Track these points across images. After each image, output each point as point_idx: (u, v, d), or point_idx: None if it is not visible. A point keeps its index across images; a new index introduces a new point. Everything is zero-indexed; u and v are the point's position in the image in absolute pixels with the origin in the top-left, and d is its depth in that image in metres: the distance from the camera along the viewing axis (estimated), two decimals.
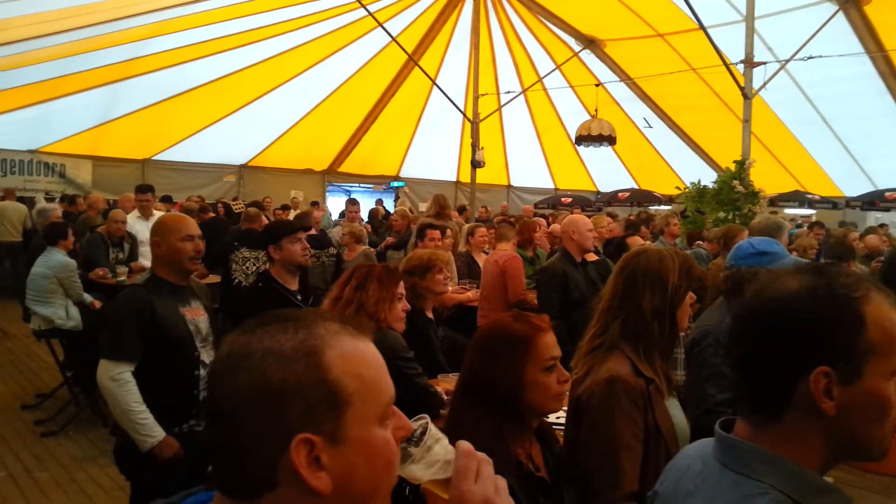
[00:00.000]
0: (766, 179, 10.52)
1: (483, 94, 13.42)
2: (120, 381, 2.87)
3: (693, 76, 12.48)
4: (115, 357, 2.91)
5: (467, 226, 7.74)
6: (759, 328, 1.10)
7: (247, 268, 5.94)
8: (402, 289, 3.29)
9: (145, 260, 6.93)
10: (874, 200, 15.15)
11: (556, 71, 14.51)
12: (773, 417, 1.09)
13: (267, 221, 7.26)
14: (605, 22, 13.40)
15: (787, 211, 15.72)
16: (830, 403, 1.03)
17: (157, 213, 7.42)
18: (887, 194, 14.89)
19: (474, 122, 13.19)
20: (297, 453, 0.80)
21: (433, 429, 1.03)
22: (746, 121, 8.86)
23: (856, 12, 10.91)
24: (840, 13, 10.53)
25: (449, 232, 6.67)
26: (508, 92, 14.09)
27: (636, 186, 18.82)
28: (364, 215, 12.43)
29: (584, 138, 13.45)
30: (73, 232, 6.51)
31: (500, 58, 15.75)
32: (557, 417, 2.64)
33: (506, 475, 0.98)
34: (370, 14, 10.85)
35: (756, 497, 1.05)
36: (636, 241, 7.29)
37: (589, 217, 6.36)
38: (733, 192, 8.64)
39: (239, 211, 10.95)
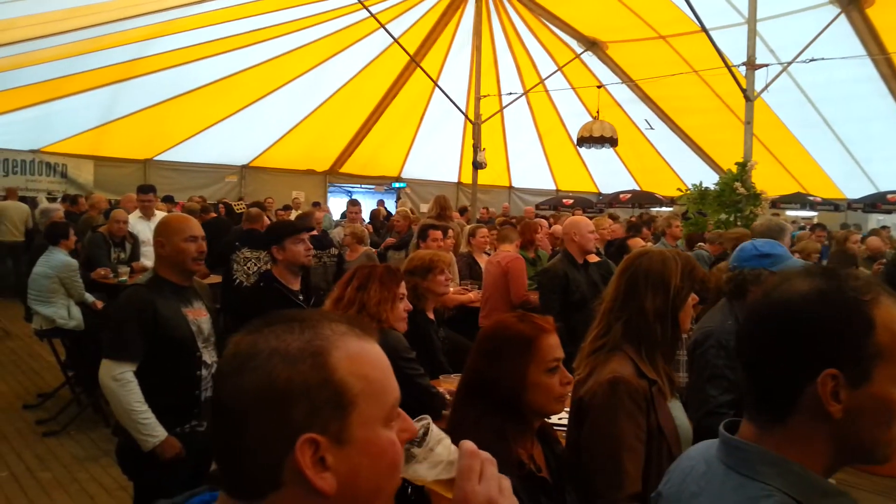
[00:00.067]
0: (768, 181, 10.51)
1: (485, 96, 13.42)
2: (122, 380, 2.87)
3: (695, 78, 12.49)
4: (117, 357, 2.91)
5: (468, 227, 7.74)
6: (767, 329, 1.10)
7: (248, 268, 5.94)
8: (403, 289, 3.30)
9: (146, 260, 6.94)
10: (876, 203, 15.15)
11: (558, 72, 14.51)
12: (778, 419, 1.08)
13: (269, 222, 7.26)
14: (607, 24, 13.40)
15: (789, 213, 15.73)
16: (837, 406, 1.03)
17: (159, 214, 7.43)
18: (889, 196, 14.88)
19: (476, 124, 13.19)
20: (302, 453, 0.80)
21: (435, 429, 1.03)
22: (748, 123, 8.86)
23: (858, 15, 10.91)
24: (842, 15, 10.53)
25: (450, 233, 6.68)
26: (510, 93, 14.08)
27: (638, 188, 18.83)
28: (366, 216, 12.43)
29: (585, 140, 13.46)
30: (74, 232, 6.51)
31: (502, 59, 15.76)
32: (560, 419, 2.64)
33: (508, 475, 0.98)
34: (372, 15, 10.86)
35: (761, 499, 1.04)
36: (637, 243, 7.29)
37: (590, 219, 6.36)
38: (735, 194, 8.63)
39: (241, 211, 10.97)
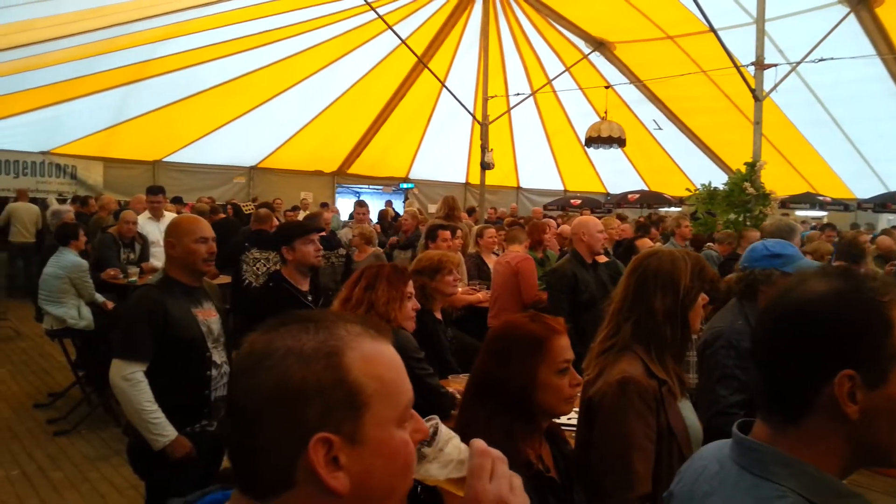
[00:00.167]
0: (777, 181, 10.47)
1: (492, 97, 13.42)
2: (132, 380, 2.88)
3: (703, 78, 12.45)
4: (128, 357, 2.92)
5: (476, 227, 7.73)
6: (784, 329, 1.09)
7: (257, 268, 5.96)
8: (411, 288, 3.30)
9: (156, 260, 6.97)
10: (886, 202, 15.05)
11: (566, 73, 14.50)
12: (793, 420, 1.08)
13: (278, 223, 7.28)
14: (615, 24, 13.38)
15: (799, 213, 15.65)
16: (854, 407, 1.02)
17: (168, 215, 7.46)
18: None
19: (483, 124, 13.19)
20: (315, 452, 0.80)
21: (444, 428, 1.03)
22: (757, 123, 8.83)
23: (867, 14, 10.85)
24: (851, 15, 10.48)
25: (459, 233, 6.68)
26: (518, 94, 14.06)
27: (646, 188, 18.78)
28: (374, 217, 12.45)
29: (593, 140, 13.44)
30: (84, 232, 6.55)
31: (510, 60, 15.75)
32: (568, 419, 2.64)
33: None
34: (380, 17, 10.87)
35: (775, 500, 1.04)
36: (646, 243, 7.26)
37: (599, 219, 6.35)
38: (744, 194, 8.61)
39: (249, 212, 11.00)
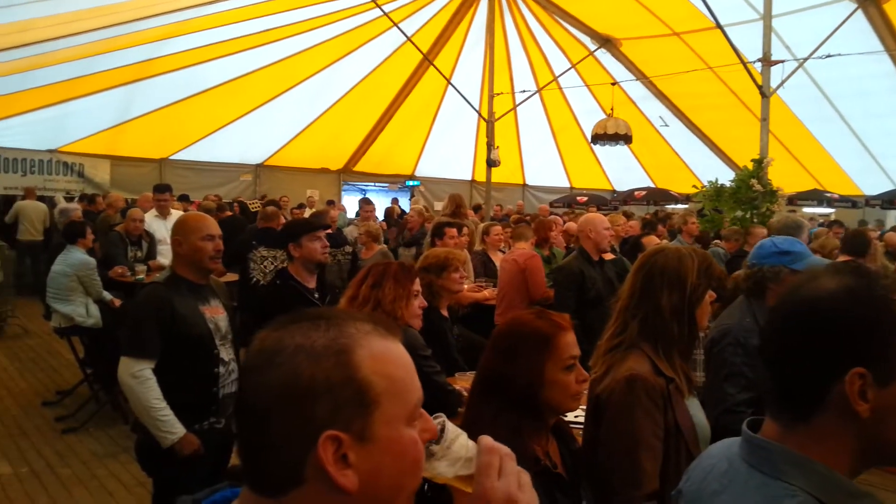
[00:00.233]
0: (784, 178, 10.43)
1: (498, 94, 13.40)
2: (140, 377, 2.89)
3: (710, 75, 12.41)
4: (136, 354, 2.93)
5: (483, 225, 7.73)
6: (794, 326, 1.09)
7: (264, 266, 5.97)
8: (417, 285, 3.30)
9: (163, 258, 6.99)
10: (894, 199, 15.00)
11: (572, 70, 14.47)
12: (803, 418, 1.07)
13: (285, 220, 7.29)
14: (621, 21, 13.34)
15: (806, 210, 15.58)
16: (865, 406, 1.01)
17: (175, 212, 7.48)
18: None
19: (489, 122, 13.18)
20: (324, 450, 0.80)
21: (451, 426, 1.03)
22: (764, 119, 8.80)
23: (875, 10, 10.80)
24: (859, 11, 10.43)
25: (465, 230, 6.68)
26: (524, 91, 14.06)
27: (652, 185, 18.74)
28: (380, 214, 12.45)
29: (599, 137, 13.42)
30: (92, 230, 6.57)
31: (515, 57, 15.74)
32: (575, 416, 2.64)
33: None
34: (385, 14, 10.87)
35: (785, 499, 1.03)
36: (652, 241, 7.26)
37: (605, 216, 6.34)
38: (751, 191, 8.58)
39: (255, 210, 11.02)
